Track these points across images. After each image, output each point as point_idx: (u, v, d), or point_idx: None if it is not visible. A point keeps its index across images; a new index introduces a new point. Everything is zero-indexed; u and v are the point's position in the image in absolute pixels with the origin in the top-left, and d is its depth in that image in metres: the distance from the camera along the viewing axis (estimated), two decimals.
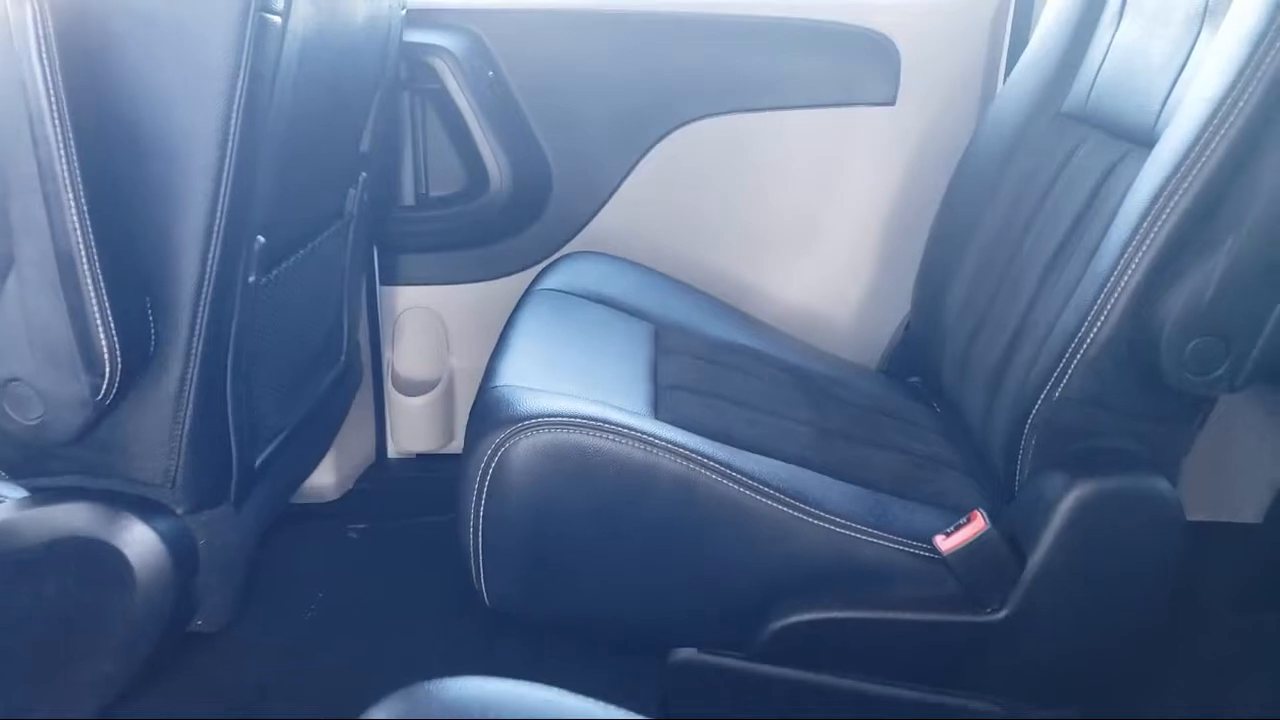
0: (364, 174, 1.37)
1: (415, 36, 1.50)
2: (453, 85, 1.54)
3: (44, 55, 0.79)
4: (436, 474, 1.77)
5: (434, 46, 1.52)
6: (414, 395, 1.73)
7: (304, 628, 1.37)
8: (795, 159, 1.62)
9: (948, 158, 1.46)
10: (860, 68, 1.59)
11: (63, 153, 0.82)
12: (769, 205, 1.64)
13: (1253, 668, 1.30)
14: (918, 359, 1.42)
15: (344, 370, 1.46)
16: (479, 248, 1.68)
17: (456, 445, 1.78)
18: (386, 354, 1.74)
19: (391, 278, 1.70)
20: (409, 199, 1.64)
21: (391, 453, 1.80)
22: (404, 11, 1.41)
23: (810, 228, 1.63)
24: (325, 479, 1.66)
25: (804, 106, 1.60)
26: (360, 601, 1.43)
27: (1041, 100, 1.26)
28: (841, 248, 1.64)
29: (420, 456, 1.80)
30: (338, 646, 1.33)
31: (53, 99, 0.80)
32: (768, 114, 1.60)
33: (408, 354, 1.74)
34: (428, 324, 1.73)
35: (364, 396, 1.69)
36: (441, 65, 1.53)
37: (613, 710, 0.57)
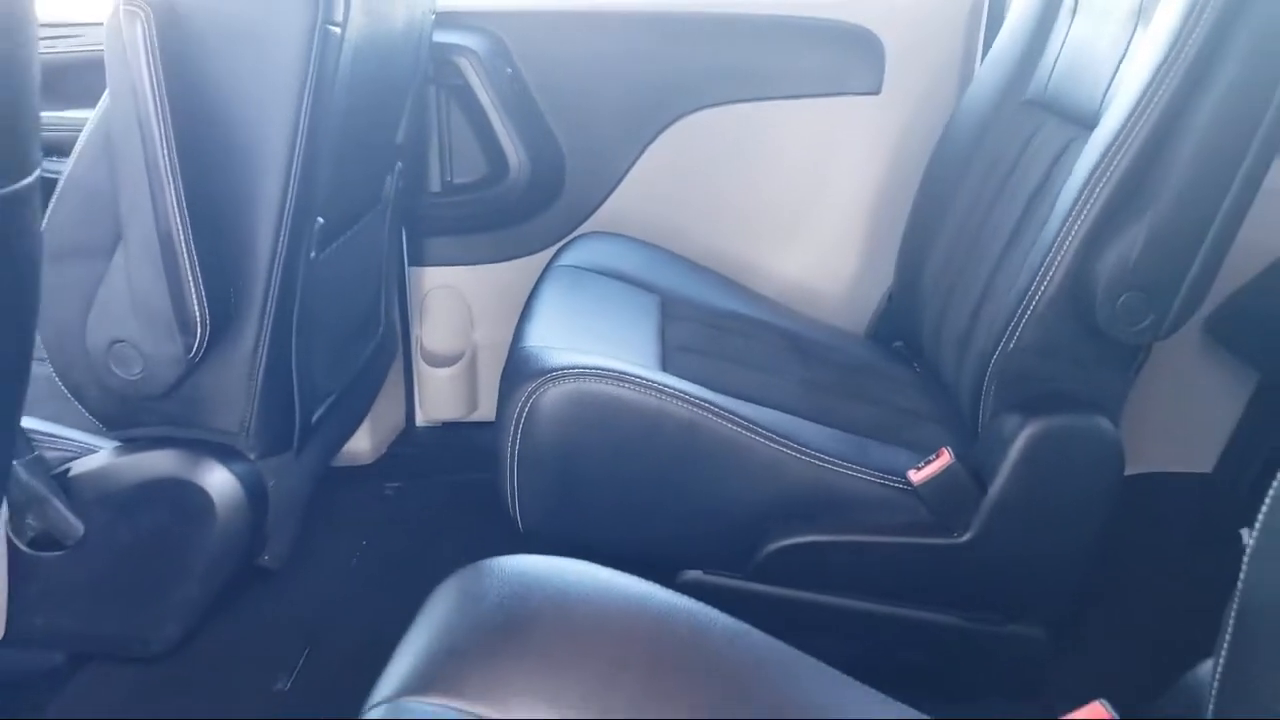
0: (399, 163, 1.52)
1: (442, 37, 1.64)
2: (475, 81, 1.68)
3: (151, 65, 0.94)
4: (462, 439, 1.92)
5: (459, 46, 1.66)
6: (441, 367, 1.88)
7: (350, 571, 1.52)
8: (789, 145, 1.75)
9: (928, 142, 1.58)
10: (847, 60, 1.72)
11: (165, 148, 0.97)
12: (765, 188, 1.76)
13: (1196, 597, 1.45)
14: (900, 325, 1.56)
15: (382, 341, 1.61)
16: (499, 230, 1.81)
17: (480, 413, 1.93)
18: (415, 330, 1.87)
19: (419, 259, 1.83)
20: (435, 186, 1.77)
21: (420, 421, 1.94)
22: (433, 15, 1.56)
23: (803, 207, 1.77)
24: (362, 444, 1.81)
25: (796, 97, 1.73)
26: (398, 548, 1.58)
27: (1007, 89, 1.40)
28: (831, 225, 1.77)
29: (446, 425, 1.94)
30: (380, 585, 1.48)
31: (158, 102, 0.95)
32: (763, 104, 1.73)
33: (435, 330, 1.88)
34: (453, 301, 1.86)
35: (395, 369, 1.83)
36: (465, 63, 1.67)
37: (642, 583, 0.72)
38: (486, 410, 1.91)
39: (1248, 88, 0.97)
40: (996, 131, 1.39)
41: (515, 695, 0.63)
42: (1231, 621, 0.66)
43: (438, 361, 1.88)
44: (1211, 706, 0.67)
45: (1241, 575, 0.66)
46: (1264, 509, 0.66)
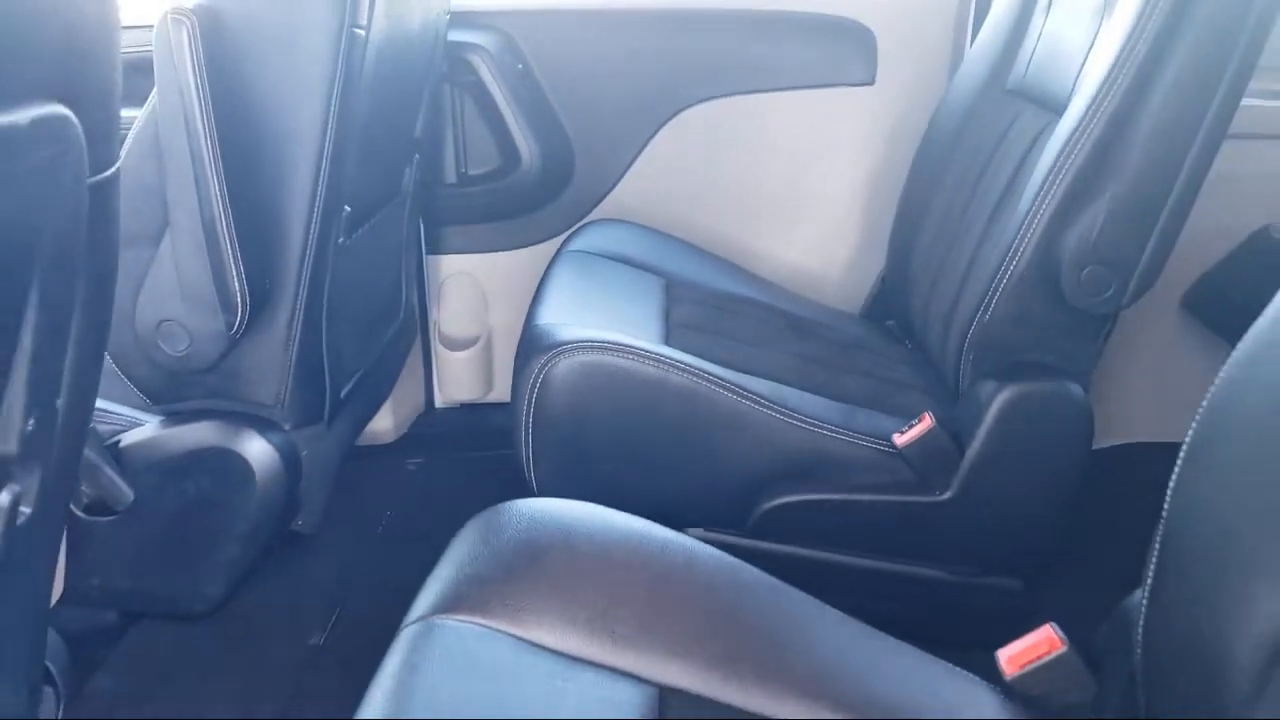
0: (417, 155, 1.62)
1: (456, 36, 1.73)
2: (488, 77, 1.77)
3: (196, 68, 1.04)
4: (479, 419, 2.02)
5: (472, 44, 1.75)
6: (458, 350, 1.97)
7: (375, 537, 1.62)
8: (786, 134, 1.83)
9: (919, 131, 1.66)
10: (842, 53, 1.81)
11: (209, 144, 1.07)
12: (764, 175, 1.85)
13: None
14: (892, 304, 1.65)
15: (402, 325, 1.71)
16: (512, 219, 1.89)
17: (496, 394, 2.02)
18: (433, 315, 1.96)
19: (436, 247, 1.92)
20: (451, 177, 1.86)
21: (439, 402, 2.03)
22: (448, 15, 1.65)
23: (800, 194, 1.85)
24: (384, 424, 1.91)
25: (793, 88, 1.81)
26: (419, 517, 1.68)
27: (990, 79, 1.48)
28: (827, 211, 1.86)
29: (464, 406, 2.03)
30: (403, 550, 1.58)
31: (202, 102, 1.05)
32: (762, 95, 1.82)
33: (451, 315, 1.97)
34: (469, 287, 1.95)
35: (414, 353, 1.93)
36: (478, 60, 1.76)
37: (643, 522, 0.81)
38: (502, 392, 2.00)
39: (1195, 79, 1.05)
40: (979, 119, 1.47)
41: (530, 615, 0.72)
42: (1156, 550, 0.75)
43: (455, 345, 1.97)
44: (1140, 626, 0.76)
45: (1165, 508, 0.75)
46: (1184, 449, 0.74)
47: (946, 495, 1.21)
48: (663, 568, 0.79)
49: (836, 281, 1.86)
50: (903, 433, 1.21)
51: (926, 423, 1.20)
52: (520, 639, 0.71)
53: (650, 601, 0.75)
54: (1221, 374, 0.73)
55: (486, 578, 0.74)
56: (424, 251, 1.92)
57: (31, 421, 0.66)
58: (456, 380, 2.00)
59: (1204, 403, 0.74)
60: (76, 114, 0.59)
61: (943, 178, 1.51)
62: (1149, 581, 0.75)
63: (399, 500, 1.72)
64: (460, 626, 0.71)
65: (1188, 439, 0.74)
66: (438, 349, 1.98)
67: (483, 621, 0.71)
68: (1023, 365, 1.21)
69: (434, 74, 1.61)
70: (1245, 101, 1.11)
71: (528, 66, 1.81)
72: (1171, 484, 0.74)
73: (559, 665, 0.70)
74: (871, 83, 1.80)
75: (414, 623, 0.72)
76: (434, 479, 1.82)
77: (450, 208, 1.88)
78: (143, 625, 1.37)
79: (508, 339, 1.94)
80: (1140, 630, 0.76)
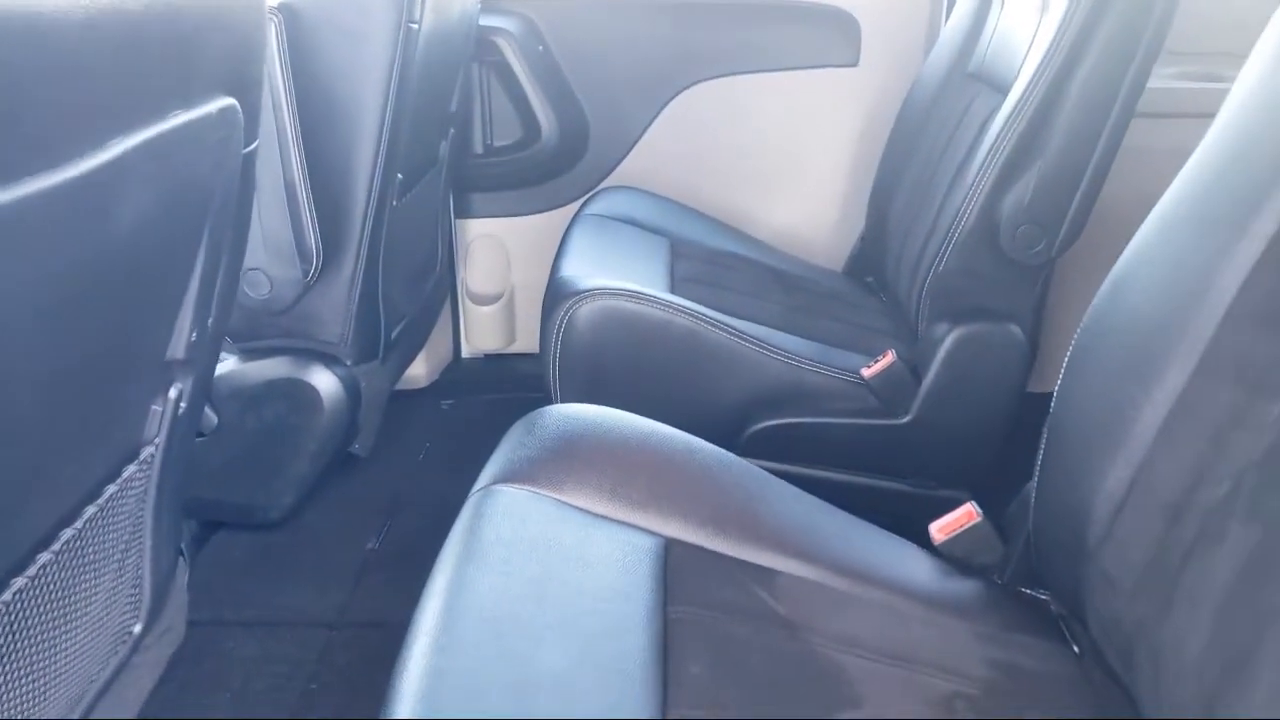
0: (451, 129, 1.84)
1: (484, 20, 1.93)
2: (512, 58, 1.97)
3: (282, 57, 1.26)
4: (503, 367, 2.25)
5: (498, 28, 1.96)
6: (484, 305, 2.19)
7: (418, 464, 1.86)
8: (779, 111, 2.04)
9: (897, 108, 1.88)
10: (829, 37, 2.01)
11: (292, 120, 1.29)
12: (759, 147, 2.06)
13: None
14: (870, 262, 1.86)
15: (439, 279, 1.94)
16: (533, 186, 2.10)
17: (517, 346, 2.25)
18: (461, 273, 2.18)
19: (464, 212, 2.13)
20: (478, 149, 2.08)
21: (465, 353, 2.25)
22: (479, 4, 1.86)
23: (790, 164, 2.06)
24: (418, 370, 2.13)
25: (785, 69, 2.02)
26: (454, 446, 1.91)
27: (954, 63, 1.69)
28: (814, 179, 2.07)
29: (488, 356, 2.26)
30: (442, 473, 1.82)
31: (286, 83, 1.27)
32: (757, 76, 2.02)
33: (477, 273, 2.19)
34: (493, 248, 2.17)
35: (443, 309, 2.15)
36: (503, 42, 1.97)
37: (651, 422, 1.04)
38: (524, 343, 2.23)
39: (1107, 68, 1.26)
40: (945, 99, 1.68)
41: (566, 484, 0.95)
42: (1044, 441, 0.97)
43: (481, 300, 2.19)
44: (1032, 500, 0.98)
45: (1051, 408, 0.97)
46: (1065, 363, 0.96)
47: (906, 419, 1.43)
48: (668, 452, 1.01)
49: (822, 241, 2.07)
50: (869, 366, 1.44)
51: (890, 358, 1.43)
52: (559, 501, 0.93)
53: (658, 476, 0.97)
54: (1093, 302, 0.95)
55: (533, 458, 0.97)
56: (453, 215, 2.13)
57: (194, 334, 0.89)
58: (482, 332, 2.22)
59: (1080, 325, 0.96)
60: (239, 102, 0.82)
61: (914, 150, 1.72)
62: (1038, 466, 0.98)
63: (435, 434, 1.96)
64: (514, 491, 0.93)
65: (1068, 355, 0.96)
66: (465, 304, 2.20)
67: (530, 489, 0.94)
68: (971, 309, 1.42)
69: (466, 56, 1.82)
70: (1164, 84, 1.32)
71: (548, 48, 2.01)
72: (1056, 389, 0.96)
73: (588, 520, 0.92)
74: (855, 65, 2.01)
75: (479, 490, 0.95)
76: (465, 416, 2.05)
77: (477, 176, 2.09)
78: (222, 533, 1.60)
79: (529, 295, 2.16)
80: (1032, 503, 0.99)
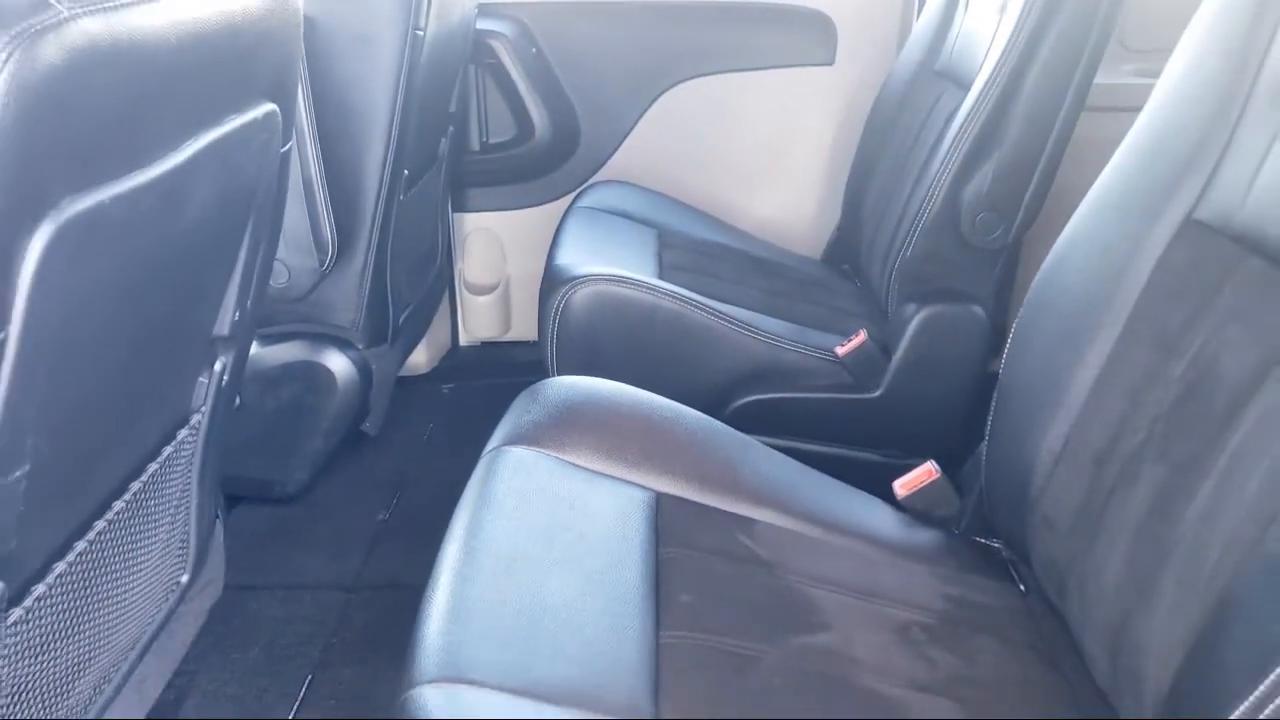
0: (450, 128, 1.95)
1: (480, 24, 2.03)
2: (506, 59, 2.08)
3: (300, 62, 1.36)
4: (499, 354, 2.36)
5: (493, 31, 2.06)
6: (480, 295, 2.30)
7: (423, 442, 1.97)
8: (760, 107, 2.15)
9: (871, 105, 2.00)
10: (807, 37, 2.13)
11: (310, 120, 1.40)
12: (741, 142, 2.17)
13: None
14: (846, 250, 1.98)
15: (439, 270, 2.05)
16: (527, 181, 2.21)
17: (513, 333, 2.36)
18: (458, 264, 2.28)
19: (461, 206, 2.23)
20: (475, 146, 2.18)
21: (463, 340, 2.36)
22: (476, 9, 1.97)
23: (771, 158, 2.18)
24: (419, 358, 2.23)
25: (765, 68, 2.13)
26: (455, 427, 2.02)
27: (923, 62, 1.81)
28: (794, 172, 2.18)
29: (485, 343, 2.37)
30: (445, 451, 1.92)
31: (305, 86, 1.38)
32: (739, 74, 2.13)
33: (474, 264, 2.29)
34: (489, 241, 2.27)
35: (442, 300, 2.26)
36: (498, 45, 2.07)
37: (641, 392, 1.15)
38: (519, 330, 2.34)
39: (1057, 67, 1.38)
40: (914, 96, 1.80)
41: (568, 445, 1.06)
42: (994, 404, 1.09)
43: (478, 290, 2.30)
44: (984, 459, 1.10)
45: (1000, 374, 1.09)
46: (1011, 333, 1.08)
47: (877, 394, 1.55)
48: (659, 418, 1.13)
49: (801, 230, 2.19)
50: (843, 345, 1.56)
51: (861, 337, 1.54)
52: (561, 459, 1.05)
53: (649, 438, 1.09)
54: (1034, 281, 1.07)
55: (538, 422, 1.08)
56: (450, 209, 2.24)
57: (237, 313, 1.00)
58: (479, 321, 2.33)
59: (1026, 298, 1.08)
60: (279, 107, 0.93)
61: (886, 144, 1.84)
62: (988, 428, 1.10)
63: (438, 416, 2.07)
64: (521, 451, 1.05)
65: (1013, 329, 1.08)
66: (463, 294, 2.31)
67: (536, 449, 1.05)
68: (936, 291, 1.54)
69: (465, 59, 1.93)
70: (1115, 80, 1.43)
71: (540, 51, 2.11)
72: (1004, 357, 1.08)
73: (588, 476, 1.04)
74: (831, 63, 2.12)
75: (490, 451, 1.06)
76: (465, 398, 2.16)
77: (474, 172, 2.20)
78: (242, 506, 1.70)
79: (524, 284, 2.27)
80: (983, 461, 1.11)
